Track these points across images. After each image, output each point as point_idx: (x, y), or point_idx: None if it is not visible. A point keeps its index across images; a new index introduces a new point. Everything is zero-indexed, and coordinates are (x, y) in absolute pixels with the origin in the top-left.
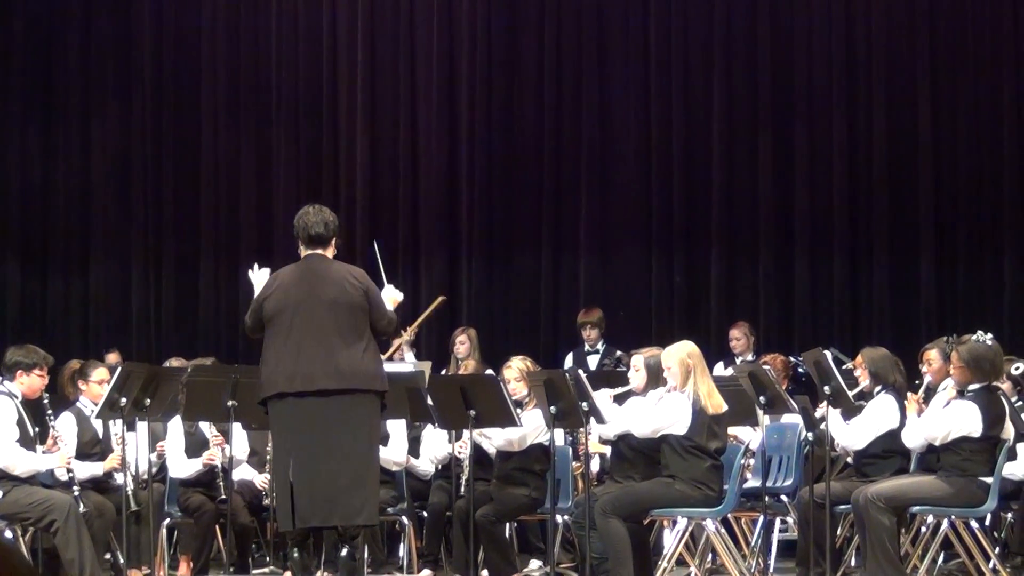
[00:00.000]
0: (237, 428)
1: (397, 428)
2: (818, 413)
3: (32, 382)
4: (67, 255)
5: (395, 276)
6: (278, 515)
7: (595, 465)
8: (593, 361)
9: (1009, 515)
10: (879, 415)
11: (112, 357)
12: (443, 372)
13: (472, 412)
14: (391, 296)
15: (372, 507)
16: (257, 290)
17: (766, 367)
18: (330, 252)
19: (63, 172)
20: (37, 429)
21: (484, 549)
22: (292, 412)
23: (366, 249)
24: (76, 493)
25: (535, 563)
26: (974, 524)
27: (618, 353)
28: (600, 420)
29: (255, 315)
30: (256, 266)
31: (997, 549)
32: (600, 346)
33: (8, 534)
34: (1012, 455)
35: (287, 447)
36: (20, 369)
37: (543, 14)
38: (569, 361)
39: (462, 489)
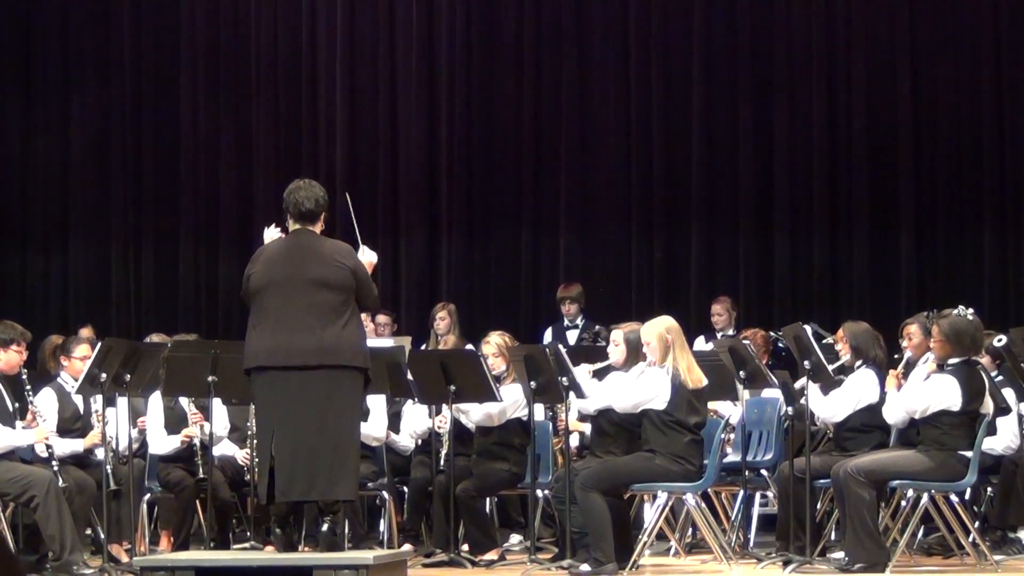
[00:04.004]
0: (217, 404)
1: (377, 404)
2: (798, 387)
3: (9, 358)
4: (46, 232)
5: (374, 251)
6: (259, 489)
7: (574, 440)
8: (573, 336)
9: (989, 489)
10: (858, 388)
11: (85, 332)
12: (423, 348)
13: (452, 387)
14: (366, 259)
15: (351, 482)
16: None
17: (746, 342)
18: (318, 228)
19: (42, 149)
20: (16, 405)
21: (465, 524)
22: (274, 386)
23: (342, 210)
24: (55, 468)
25: (515, 537)
26: (954, 498)
27: (597, 327)
28: (580, 395)
29: (247, 273)
30: (273, 225)
31: (977, 523)
32: (580, 321)
33: None
34: (992, 429)
35: (269, 421)
36: None
37: None
38: (549, 336)
39: (442, 464)
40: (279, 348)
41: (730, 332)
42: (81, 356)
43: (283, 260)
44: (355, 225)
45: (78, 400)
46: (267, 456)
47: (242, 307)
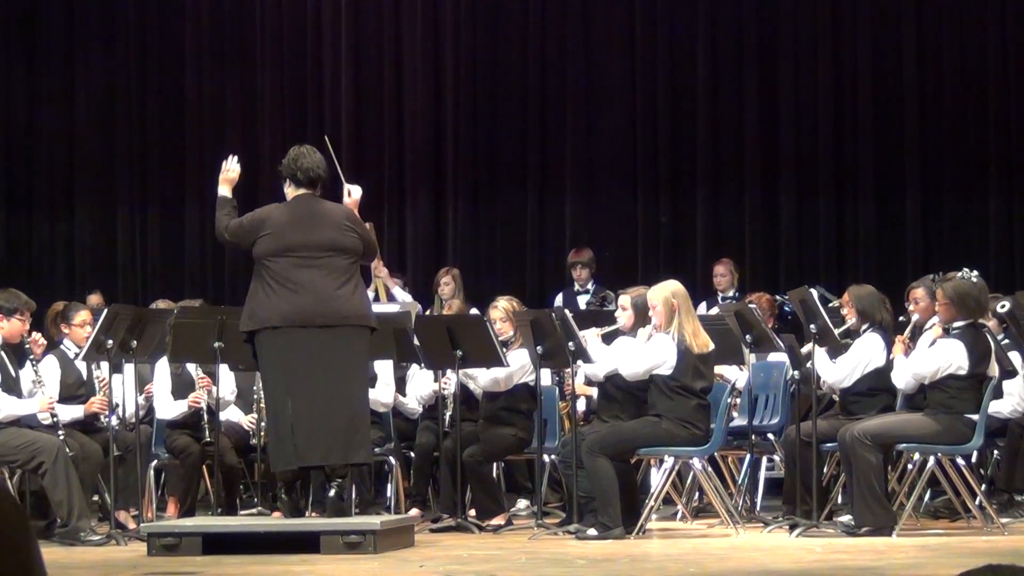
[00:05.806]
0: (224, 369)
1: (384, 369)
2: (804, 351)
3: (12, 326)
4: (52, 198)
5: (380, 216)
6: (274, 455)
7: (581, 405)
8: (583, 301)
9: (995, 452)
10: (865, 353)
11: (94, 299)
12: (427, 313)
13: (459, 352)
14: (354, 196)
15: (368, 446)
16: (223, 189)
17: (752, 306)
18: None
19: (47, 115)
20: (22, 368)
21: (471, 489)
22: (287, 345)
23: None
24: (61, 436)
25: (522, 502)
26: (960, 461)
27: (604, 292)
28: (587, 360)
29: (246, 232)
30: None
31: (983, 486)
32: (590, 286)
33: None
34: (998, 393)
35: (284, 385)
36: (1, 313)
37: None
38: (559, 301)
39: (446, 428)
40: (295, 313)
41: (730, 294)
42: (80, 323)
43: (296, 225)
44: (338, 167)
45: (81, 367)
46: (284, 420)
47: (246, 270)
